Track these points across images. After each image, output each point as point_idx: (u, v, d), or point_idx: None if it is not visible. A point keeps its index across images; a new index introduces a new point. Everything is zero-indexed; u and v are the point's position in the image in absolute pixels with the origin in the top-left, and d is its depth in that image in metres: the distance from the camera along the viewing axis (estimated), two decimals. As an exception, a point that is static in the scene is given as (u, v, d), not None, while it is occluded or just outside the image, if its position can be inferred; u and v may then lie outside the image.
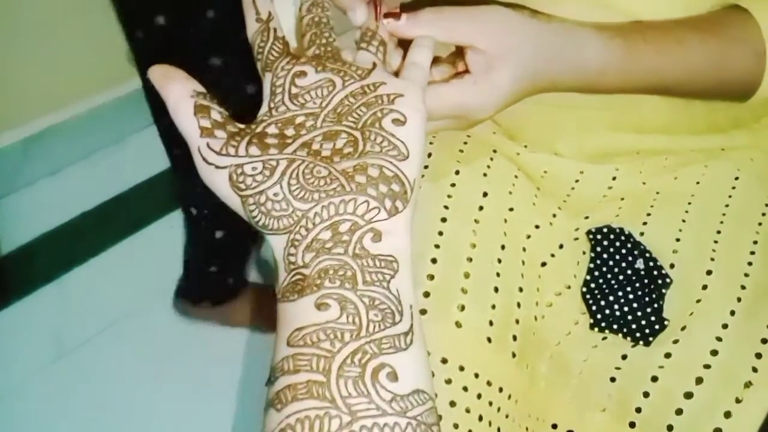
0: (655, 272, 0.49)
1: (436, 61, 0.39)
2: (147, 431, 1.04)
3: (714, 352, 0.45)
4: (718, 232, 0.51)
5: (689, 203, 0.54)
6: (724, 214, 0.52)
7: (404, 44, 0.39)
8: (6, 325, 1.10)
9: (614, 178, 0.57)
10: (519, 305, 0.50)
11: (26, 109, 1.18)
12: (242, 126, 0.32)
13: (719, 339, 0.45)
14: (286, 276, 0.28)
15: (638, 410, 0.45)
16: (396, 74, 0.36)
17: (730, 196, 0.53)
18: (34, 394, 1.03)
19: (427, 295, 0.47)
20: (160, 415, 1.04)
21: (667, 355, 0.46)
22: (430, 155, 0.56)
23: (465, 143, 0.56)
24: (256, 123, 0.32)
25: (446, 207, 0.52)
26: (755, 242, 0.51)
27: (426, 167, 0.55)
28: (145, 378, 1.06)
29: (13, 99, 1.15)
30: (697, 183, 0.55)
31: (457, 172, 0.54)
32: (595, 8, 0.47)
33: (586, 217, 0.56)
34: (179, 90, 0.31)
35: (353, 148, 0.30)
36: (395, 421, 0.24)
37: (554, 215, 0.56)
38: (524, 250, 0.53)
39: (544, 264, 0.54)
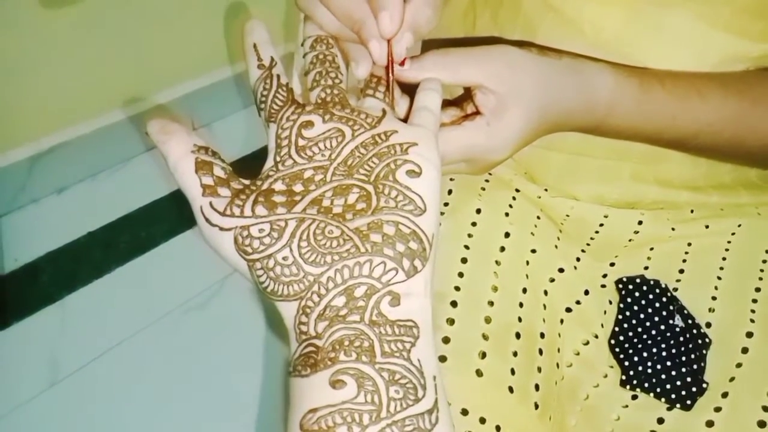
0: (694, 331, 0.45)
1: (442, 104, 0.37)
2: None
3: (762, 424, 0.41)
4: (757, 289, 0.48)
5: (723, 258, 0.51)
6: (762, 270, 0.49)
7: (408, 90, 0.37)
8: (2, 347, 1.08)
9: (640, 223, 0.54)
10: (541, 352, 0.47)
11: (33, 126, 1.17)
12: (247, 182, 0.30)
13: (766, 409, 0.42)
14: (297, 347, 0.25)
15: None
16: (405, 120, 0.33)
17: (767, 251, 0.50)
18: (26, 421, 1.00)
19: (446, 340, 0.44)
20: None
21: (709, 424, 0.43)
22: (450, 192, 0.53)
23: (487, 181, 0.54)
24: (262, 179, 0.30)
25: (467, 247, 0.49)
26: None
27: (446, 204, 0.52)
28: (143, 405, 1.03)
29: (21, 116, 1.13)
30: (732, 234, 0.52)
31: (479, 211, 0.51)
32: (610, 57, 0.45)
33: (612, 264, 0.53)
34: (179, 145, 0.29)
35: (366, 203, 0.28)
36: None
37: (578, 259, 0.53)
38: (546, 293, 0.50)
39: (569, 310, 0.51)
